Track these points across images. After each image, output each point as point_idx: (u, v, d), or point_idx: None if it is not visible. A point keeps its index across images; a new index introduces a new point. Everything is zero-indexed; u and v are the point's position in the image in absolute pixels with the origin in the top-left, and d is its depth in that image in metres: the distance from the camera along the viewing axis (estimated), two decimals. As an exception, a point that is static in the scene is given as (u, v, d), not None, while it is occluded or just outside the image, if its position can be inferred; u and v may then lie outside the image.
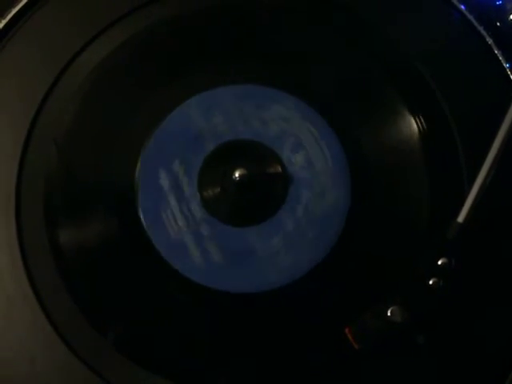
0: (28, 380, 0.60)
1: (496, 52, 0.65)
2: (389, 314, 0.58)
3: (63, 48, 0.64)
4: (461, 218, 0.59)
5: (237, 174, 0.60)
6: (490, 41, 0.66)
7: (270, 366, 0.60)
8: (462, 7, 0.67)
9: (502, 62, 0.65)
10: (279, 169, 0.62)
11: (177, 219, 0.61)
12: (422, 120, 0.64)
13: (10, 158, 0.62)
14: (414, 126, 0.64)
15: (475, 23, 0.66)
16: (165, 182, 0.62)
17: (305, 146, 0.63)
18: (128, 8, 0.64)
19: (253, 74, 0.64)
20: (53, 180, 0.62)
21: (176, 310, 0.61)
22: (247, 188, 0.61)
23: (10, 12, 0.64)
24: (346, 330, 0.58)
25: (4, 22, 0.64)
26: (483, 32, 0.66)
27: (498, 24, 0.69)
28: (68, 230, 0.61)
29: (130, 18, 0.64)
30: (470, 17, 0.66)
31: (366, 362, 0.59)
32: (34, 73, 0.63)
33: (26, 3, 0.64)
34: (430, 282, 0.58)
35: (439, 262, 0.58)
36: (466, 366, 0.61)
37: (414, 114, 0.64)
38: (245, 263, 0.61)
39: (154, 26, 0.64)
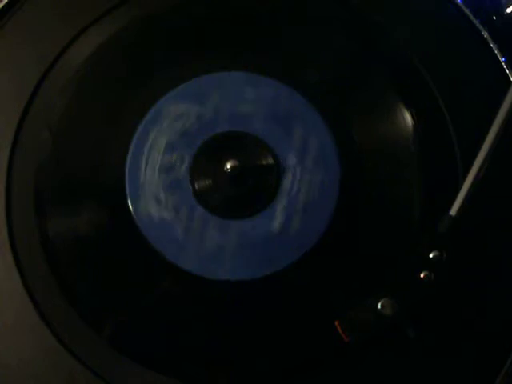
0: (20, 378, 0.60)
1: (492, 46, 0.65)
2: (379, 306, 0.57)
3: (57, 35, 0.64)
4: (453, 212, 0.59)
5: (228, 166, 0.60)
6: (485, 34, 0.65)
7: (260, 360, 0.60)
8: (459, 0, 0.66)
9: (498, 55, 0.65)
10: (271, 161, 0.62)
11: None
12: (416, 113, 0.64)
13: (2, 146, 0.62)
14: (408, 119, 0.64)
15: (471, 17, 0.66)
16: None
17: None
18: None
19: (244, 62, 0.64)
20: (44, 168, 0.61)
21: (170, 302, 0.61)
22: (239, 180, 0.61)
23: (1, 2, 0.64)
24: (336, 323, 0.57)
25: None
26: (479, 25, 0.66)
27: (494, 18, 0.69)
28: (59, 220, 0.61)
29: (122, 8, 0.64)
30: (466, 10, 0.66)
31: (357, 355, 0.59)
32: (26, 61, 0.63)
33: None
34: (422, 275, 0.58)
35: (431, 255, 0.58)
36: (458, 361, 0.60)
37: (408, 107, 0.64)
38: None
39: (141, 19, 0.64)
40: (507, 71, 0.65)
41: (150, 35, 0.65)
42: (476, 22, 0.66)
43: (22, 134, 0.62)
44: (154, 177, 0.61)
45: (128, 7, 0.65)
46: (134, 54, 0.65)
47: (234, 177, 0.60)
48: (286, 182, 0.62)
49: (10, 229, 0.60)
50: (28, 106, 0.62)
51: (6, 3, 0.64)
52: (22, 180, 0.61)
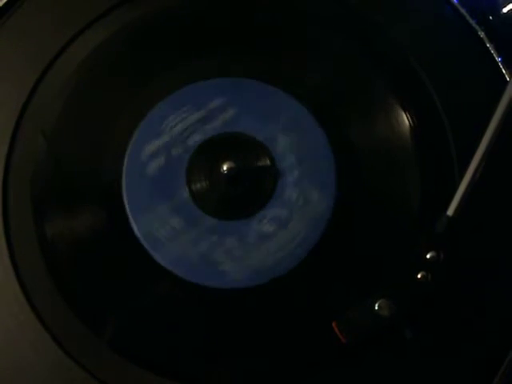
0: (18, 380, 0.59)
1: (488, 45, 0.65)
2: (376, 307, 0.57)
3: (51, 41, 0.64)
4: (450, 212, 0.59)
5: (225, 168, 0.60)
6: (482, 34, 0.65)
7: (259, 362, 0.60)
8: (455, 0, 0.66)
9: (494, 55, 0.65)
10: (268, 162, 0.62)
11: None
12: (413, 114, 0.64)
13: None
14: (405, 119, 0.64)
15: (467, 16, 0.66)
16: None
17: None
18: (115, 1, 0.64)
19: (243, 64, 0.64)
20: (42, 170, 0.61)
21: (169, 305, 0.61)
22: (235, 181, 0.61)
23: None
24: (333, 324, 0.57)
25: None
26: (475, 25, 0.66)
27: (491, 17, 0.68)
28: (56, 222, 0.61)
29: (119, 9, 0.64)
30: (462, 10, 0.66)
31: (354, 356, 0.59)
32: (21, 65, 0.63)
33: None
34: (419, 276, 0.58)
35: (428, 256, 0.58)
36: (456, 361, 0.60)
37: (405, 108, 0.64)
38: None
39: (140, 18, 0.65)
40: (503, 71, 0.64)
41: (149, 36, 0.65)
42: (472, 22, 0.66)
43: (20, 135, 0.62)
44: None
45: (127, 8, 0.65)
46: (133, 56, 0.65)
47: (230, 178, 0.60)
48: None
49: (7, 231, 0.60)
50: (25, 107, 0.62)
51: (6, 2, 0.64)
52: (19, 182, 0.61)
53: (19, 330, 0.59)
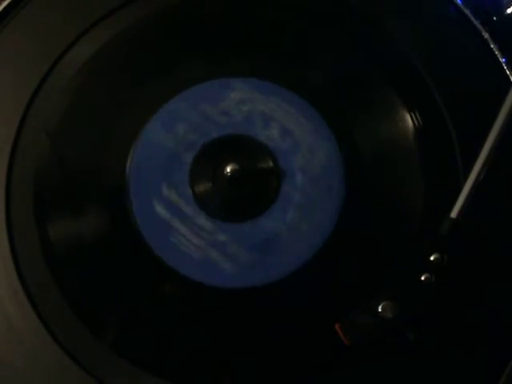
0: (17, 380, 0.59)
1: (492, 46, 0.65)
2: (380, 309, 0.57)
3: (56, 40, 0.64)
4: (454, 214, 0.58)
5: (228, 170, 0.60)
6: (486, 35, 0.65)
7: (261, 363, 0.60)
8: (459, 1, 0.66)
9: (499, 56, 0.65)
10: (271, 164, 0.62)
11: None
12: (417, 115, 0.64)
13: (2, 148, 0.61)
14: (409, 120, 0.64)
15: (471, 17, 0.66)
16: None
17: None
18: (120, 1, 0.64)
19: (245, 65, 0.64)
20: (45, 170, 0.61)
21: (171, 307, 0.61)
22: (239, 183, 0.61)
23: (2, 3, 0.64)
24: (337, 326, 0.57)
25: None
26: (479, 26, 0.65)
27: (495, 18, 0.68)
28: (59, 223, 0.61)
29: (123, 10, 0.64)
30: (467, 11, 0.66)
31: (357, 357, 0.59)
32: (26, 64, 0.63)
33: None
34: (422, 278, 0.58)
35: (431, 258, 0.58)
36: (459, 363, 0.60)
37: (409, 109, 0.64)
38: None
39: (144, 20, 0.64)
40: (508, 72, 0.64)
41: (152, 38, 0.65)
42: (476, 22, 0.66)
43: (23, 134, 0.62)
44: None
45: (131, 8, 0.65)
46: (136, 56, 0.65)
47: (234, 180, 0.60)
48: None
49: (9, 232, 0.60)
50: (29, 107, 0.62)
51: (8, 3, 0.64)
52: (22, 182, 0.61)
53: (20, 331, 0.59)
